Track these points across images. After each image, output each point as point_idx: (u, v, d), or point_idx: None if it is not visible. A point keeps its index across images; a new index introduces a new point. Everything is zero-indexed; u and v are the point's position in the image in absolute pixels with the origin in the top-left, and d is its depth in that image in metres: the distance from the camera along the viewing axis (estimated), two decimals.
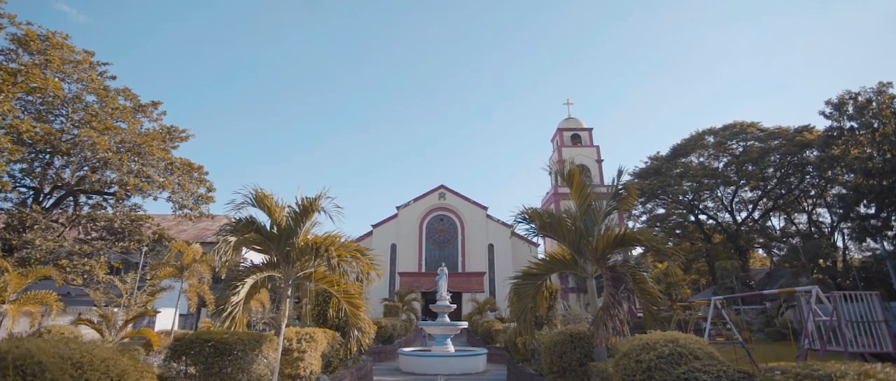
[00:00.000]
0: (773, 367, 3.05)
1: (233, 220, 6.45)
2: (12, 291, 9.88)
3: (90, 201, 24.98)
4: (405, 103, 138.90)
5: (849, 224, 34.15)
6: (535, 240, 48.19)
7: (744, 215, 47.19)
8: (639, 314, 19.66)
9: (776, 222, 48.56)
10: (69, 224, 23.80)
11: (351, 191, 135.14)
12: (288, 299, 6.58)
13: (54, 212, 23.95)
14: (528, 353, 9.44)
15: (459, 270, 42.50)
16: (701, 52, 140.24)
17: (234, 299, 5.48)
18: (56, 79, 21.58)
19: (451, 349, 14.75)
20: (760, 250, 51.82)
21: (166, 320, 16.38)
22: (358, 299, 6.66)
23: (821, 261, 32.62)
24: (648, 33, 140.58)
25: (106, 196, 24.53)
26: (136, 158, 23.93)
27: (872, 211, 28.13)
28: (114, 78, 24.62)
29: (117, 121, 23.89)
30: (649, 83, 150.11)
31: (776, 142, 40.69)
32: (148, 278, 14.39)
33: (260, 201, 6.82)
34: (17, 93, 20.33)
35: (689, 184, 45.18)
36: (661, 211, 49.10)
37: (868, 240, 29.51)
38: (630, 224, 45.89)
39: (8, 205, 20.66)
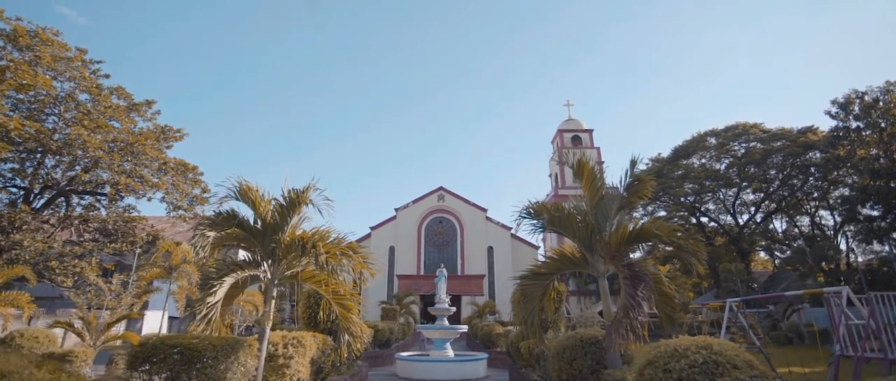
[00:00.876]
0: None
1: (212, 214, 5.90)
2: None
3: (83, 202, 24.52)
4: (405, 104, 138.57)
5: (854, 226, 33.68)
6: (535, 242, 47.77)
7: (746, 217, 46.70)
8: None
9: (778, 224, 48.11)
10: (60, 225, 23.30)
11: (350, 193, 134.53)
12: (273, 301, 6.03)
13: (45, 213, 23.45)
14: (532, 358, 8.89)
15: (459, 272, 41.92)
16: (701, 53, 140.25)
17: (211, 299, 4.94)
18: (47, 76, 21.13)
19: (451, 353, 14.17)
20: (762, 253, 51.32)
21: (155, 323, 15.79)
22: (349, 300, 6.12)
23: (824, 264, 32.12)
24: (648, 35, 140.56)
25: (99, 197, 24.07)
26: (129, 158, 23.47)
27: (879, 213, 27.64)
28: (107, 76, 24.16)
29: (110, 120, 23.41)
30: (650, 85, 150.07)
31: (779, 143, 40.21)
32: (135, 279, 13.82)
33: (244, 194, 6.28)
34: (5, 90, 19.83)
35: (691, 186, 44.66)
36: (662, 213, 48.53)
37: (875, 242, 28.95)
38: (630, 227, 45.13)
39: None
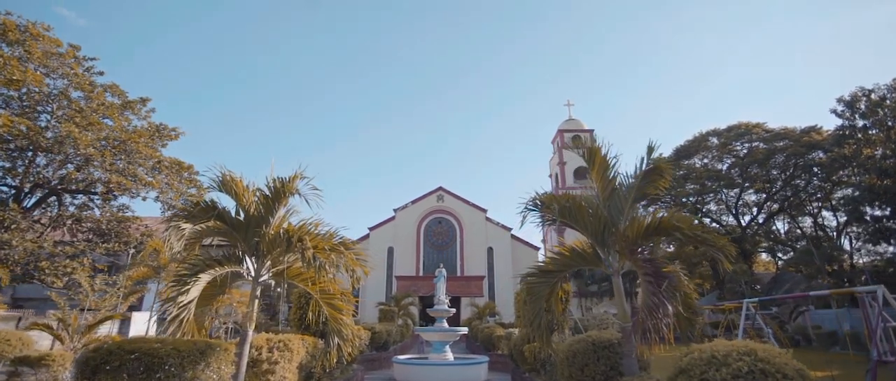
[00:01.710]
0: None
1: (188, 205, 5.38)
2: None
3: (76, 202, 24.08)
4: (404, 104, 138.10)
5: (859, 227, 33.21)
6: (536, 243, 47.26)
7: (747, 218, 46.20)
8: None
9: (781, 225, 47.63)
10: (52, 225, 22.83)
11: (349, 193, 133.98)
12: (257, 301, 5.50)
13: (36, 212, 22.96)
14: (537, 363, 8.36)
15: (458, 273, 41.40)
16: (701, 54, 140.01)
17: (182, 299, 4.42)
18: (38, 73, 20.67)
19: (450, 356, 13.63)
20: (764, 255, 50.81)
21: (142, 324, 15.24)
22: (339, 299, 5.60)
23: (826, 265, 31.66)
24: (648, 35, 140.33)
25: (92, 196, 23.61)
26: (122, 156, 23.02)
27: (886, 212, 27.19)
28: (101, 73, 23.74)
29: (104, 118, 22.96)
30: (650, 85, 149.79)
31: (782, 143, 39.75)
32: (122, 279, 13.28)
33: (226, 184, 5.76)
34: None
35: (693, 186, 44.18)
36: (663, 214, 47.99)
37: (882, 243, 28.46)
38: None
39: None
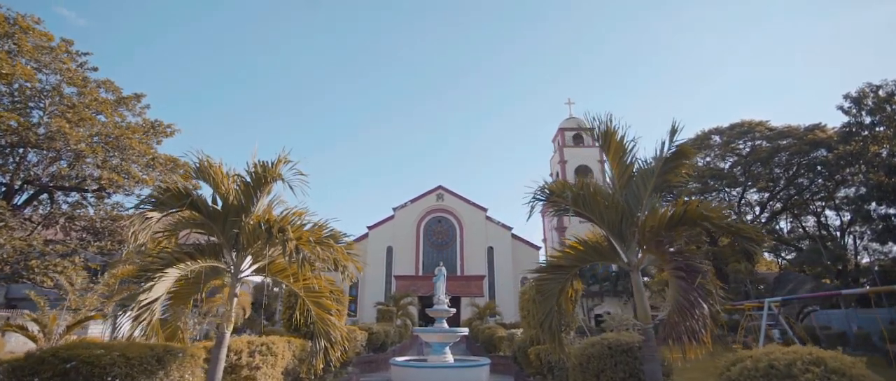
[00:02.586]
0: None
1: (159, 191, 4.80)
2: None
3: (69, 200, 23.58)
4: (404, 105, 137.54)
5: (862, 226, 32.68)
6: (537, 243, 46.67)
7: (750, 217, 45.64)
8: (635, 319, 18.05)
9: (784, 224, 47.11)
10: (43, 223, 22.32)
11: (349, 193, 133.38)
12: (235, 299, 4.94)
13: (27, 210, 22.45)
14: (543, 366, 7.80)
15: (458, 273, 40.84)
16: (701, 54, 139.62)
17: (145, 297, 3.86)
18: (29, 67, 20.15)
19: (450, 358, 13.05)
20: (766, 254, 50.28)
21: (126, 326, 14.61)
22: (327, 297, 5.04)
23: (830, 264, 31.15)
24: (649, 35, 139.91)
25: (85, 194, 23.10)
26: (115, 153, 22.50)
27: (892, 211, 26.65)
28: (95, 69, 23.26)
29: (98, 114, 22.45)
30: (650, 85, 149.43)
31: (785, 141, 39.24)
32: (105, 277, 12.72)
33: (204, 170, 5.20)
34: None
35: (695, 185, 43.63)
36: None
37: (889, 242, 27.92)
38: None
39: None
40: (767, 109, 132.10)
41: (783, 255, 45.90)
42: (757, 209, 45.29)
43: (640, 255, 4.97)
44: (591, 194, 5.02)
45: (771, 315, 9.83)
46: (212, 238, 5.20)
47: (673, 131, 4.98)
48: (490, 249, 42.63)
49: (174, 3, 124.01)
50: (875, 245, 34.62)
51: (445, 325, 14.02)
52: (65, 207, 23.47)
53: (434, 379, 11.48)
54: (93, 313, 10.52)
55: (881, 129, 27.14)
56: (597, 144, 5.44)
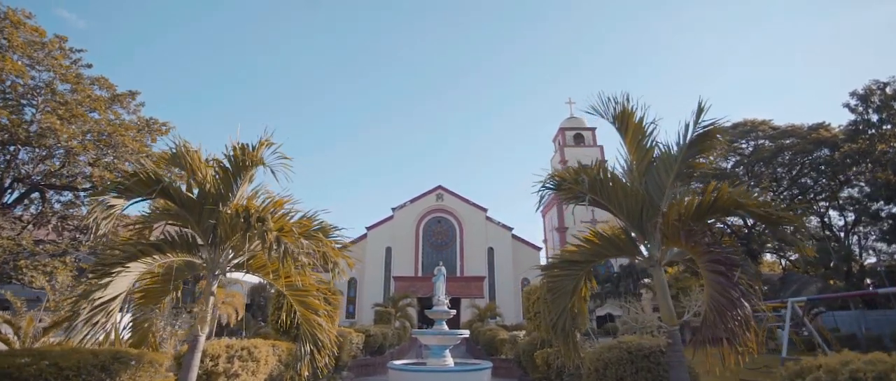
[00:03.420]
0: None
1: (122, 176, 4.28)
2: None
3: (62, 199, 23.11)
4: (404, 105, 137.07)
5: (866, 226, 32.20)
6: (537, 243, 46.17)
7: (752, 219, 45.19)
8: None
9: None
10: (35, 222, 21.84)
11: (349, 193, 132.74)
12: (212, 298, 4.42)
13: (17, 209, 21.98)
14: (550, 371, 7.28)
15: (458, 274, 40.27)
16: (702, 54, 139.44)
17: (100, 295, 3.33)
18: (20, 63, 19.69)
19: (450, 362, 12.50)
20: (768, 256, 49.76)
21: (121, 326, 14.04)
22: (313, 296, 4.52)
23: (833, 264, 30.66)
24: (649, 35, 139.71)
25: (78, 192, 22.63)
26: (109, 151, 22.03)
27: None
28: (89, 66, 22.79)
29: (91, 112, 22.00)
30: (650, 85, 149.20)
31: (789, 141, 38.79)
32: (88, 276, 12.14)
33: (180, 156, 4.68)
34: None
35: (697, 185, 43.15)
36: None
37: None
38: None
39: None
40: (767, 109, 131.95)
41: (788, 256, 45.41)
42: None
43: (662, 248, 4.45)
44: (610, 181, 4.51)
45: (793, 317, 9.35)
46: (187, 230, 4.68)
47: (700, 110, 4.46)
48: (490, 249, 42.10)
49: (174, 4, 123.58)
50: (881, 245, 34.11)
51: (445, 327, 13.47)
52: (57, 206, 22.99)
53: None
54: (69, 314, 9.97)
55: (888, 127, 26.69)
56: (613, 125, 4.90)
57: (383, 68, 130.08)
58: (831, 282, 29.26)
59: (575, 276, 4.66)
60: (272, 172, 4.58)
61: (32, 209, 23.00)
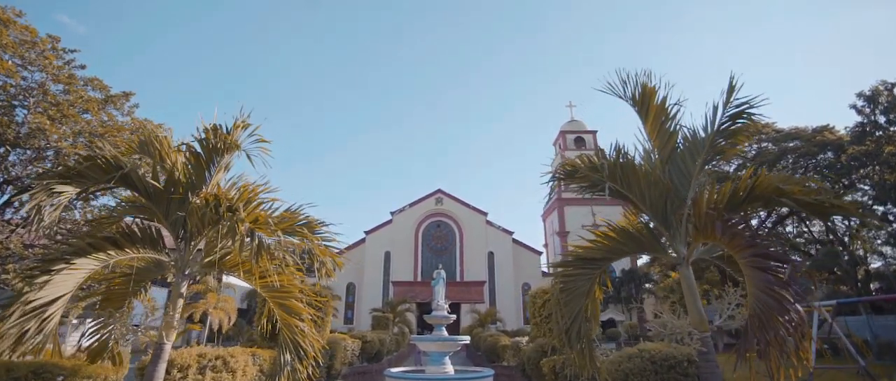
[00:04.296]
0: None
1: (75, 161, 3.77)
2: None
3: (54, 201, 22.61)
4: (404, 106, 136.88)
5: (869, 230, 31.68)
6: (538, 248, 45.55)
7: (755, 222, 44.58)
8: (648, 328, 16.91)
9: (791, 228, 46.12)
10: (25, 225, 21.34)
11: (348, 196, 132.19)
12: (180, 300, 3.90)
13: (7, 212, 21.49)
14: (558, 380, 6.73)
15: (458, 279, 39.65)
16: (701, 54, 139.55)
17: (35, 297, 2.81)
18: (11, 62, 19.26)
19: (450, 369, 11.93)
20: None
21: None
22: (295, 299, 3.99)
23: (835, 270, 30.13)
24: (649, 35, 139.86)
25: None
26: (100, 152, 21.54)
27: None
28: (83, 67, 22.40)
29: (84, 113, 21.55)
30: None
31: (792, 143, 38.35)
32: None
33: (149, 143, 4.18)
34: None
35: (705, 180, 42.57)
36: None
37: None
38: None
39: None
40: (767, 110, 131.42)
41: (795, 258, 44.84)
42: (762, 214, 44.33)
43: (691, 244, 3.93)
44: (631, 169, 4.00)
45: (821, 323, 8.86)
46: (152, 224, 4.16)
47: (731, 89, 3.95)
48: (490, 254, 41.50)
49: (174, 4, 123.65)
50: (887, 249, 33.58)
51: (445, 333, 12.90)
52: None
53: None
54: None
55: (893, 130, 26.23)
56: (632, 107, 4.39)
57: (383, 69, 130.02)
58: (837, 288, 28.71)
59: (590, 275, 4.14)
60: (249, 157, 4.07)
61: (23, 212, 22.50)
